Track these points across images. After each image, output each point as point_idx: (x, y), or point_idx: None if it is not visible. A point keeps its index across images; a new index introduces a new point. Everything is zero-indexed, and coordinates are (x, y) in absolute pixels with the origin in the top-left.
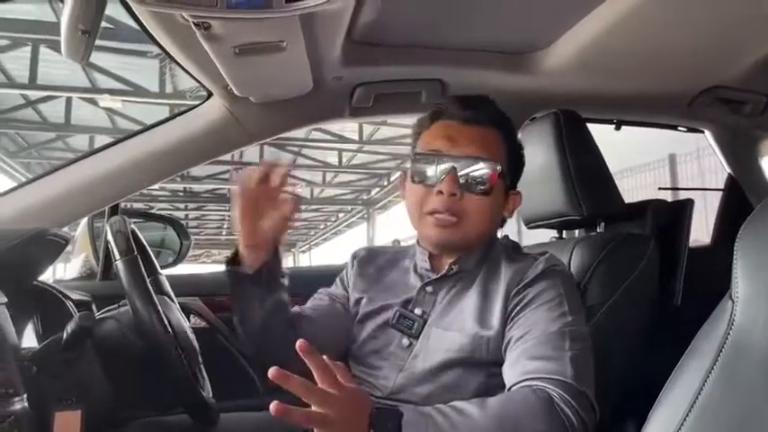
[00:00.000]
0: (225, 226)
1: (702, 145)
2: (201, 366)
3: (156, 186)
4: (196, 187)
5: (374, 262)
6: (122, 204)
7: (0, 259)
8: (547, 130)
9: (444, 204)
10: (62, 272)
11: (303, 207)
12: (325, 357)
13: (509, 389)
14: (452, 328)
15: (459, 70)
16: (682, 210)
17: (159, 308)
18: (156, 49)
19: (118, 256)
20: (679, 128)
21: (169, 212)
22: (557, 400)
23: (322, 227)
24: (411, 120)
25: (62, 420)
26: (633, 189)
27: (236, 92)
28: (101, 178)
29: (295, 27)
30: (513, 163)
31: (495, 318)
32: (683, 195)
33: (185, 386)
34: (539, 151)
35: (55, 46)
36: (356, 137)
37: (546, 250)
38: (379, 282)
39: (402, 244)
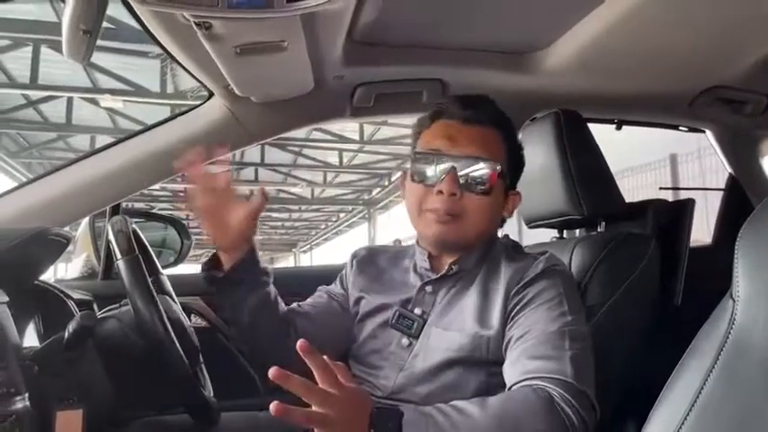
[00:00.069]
0: None
1: (703, 145)
2: (202, 366)
3: (158, 186)
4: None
5: (374, 261)
6: (123, 204)
7: (1, 259)
8: (547, 129)
9: (444, 204)
10: (63, 271)
11: (304, 207)
12: (325, 357)
13: (509, 388)
14: (452, 328)
15: (460, 70)
16: (682, 209)
17: (161, 307)
18: (157, 50)
19: (119, 256)
20: (680, 128)
21: (170, 212)
22: (557, 399)
23: (323, 227)
24: (412, 120)
25: (63, 420)
26: (634, 189)
27: (237, 92)
28: (102, 178)
29: (296, 27)
30: (513, 163)
31: (495, 317)
32: (683, 195)
33: (186, 386)
34: (539, 151)
35: (56, 46)
36: (357, 137)
37: (546, 250)
38: (379, 281)
39: (403, 244)
